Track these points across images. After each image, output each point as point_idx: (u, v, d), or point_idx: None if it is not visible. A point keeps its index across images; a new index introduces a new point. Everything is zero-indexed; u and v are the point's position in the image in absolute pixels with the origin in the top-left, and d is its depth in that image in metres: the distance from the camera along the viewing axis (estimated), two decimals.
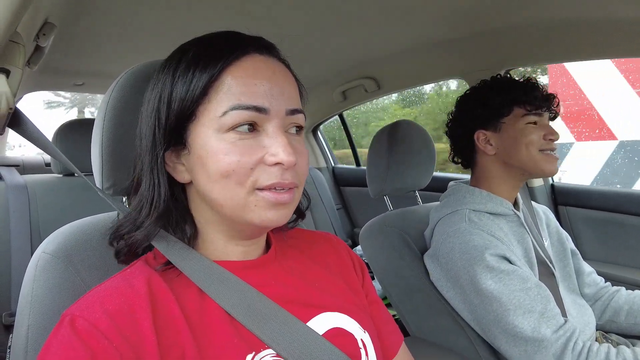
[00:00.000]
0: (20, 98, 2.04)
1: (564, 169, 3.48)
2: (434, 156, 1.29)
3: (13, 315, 1.21)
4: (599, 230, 1.46)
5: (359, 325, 0.57)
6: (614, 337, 1.03)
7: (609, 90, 3.32)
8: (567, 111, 3.52)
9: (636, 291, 1.07)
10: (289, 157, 0.47)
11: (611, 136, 3.38)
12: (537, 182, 1.54)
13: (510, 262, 0.89)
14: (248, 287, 0.51)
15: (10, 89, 0.46)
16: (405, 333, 1.05)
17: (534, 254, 0.98)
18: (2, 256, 1.27)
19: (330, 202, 2.41)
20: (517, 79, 1.02)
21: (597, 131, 3.43)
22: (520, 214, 1.02)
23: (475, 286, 0.89)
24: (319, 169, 2.62)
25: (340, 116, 2.49)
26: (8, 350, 0.58)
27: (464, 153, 1.09)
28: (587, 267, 1.13)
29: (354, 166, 2.67)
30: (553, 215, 1.19)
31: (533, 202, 1.19)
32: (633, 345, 0.99)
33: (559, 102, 1.01)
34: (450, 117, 1.11)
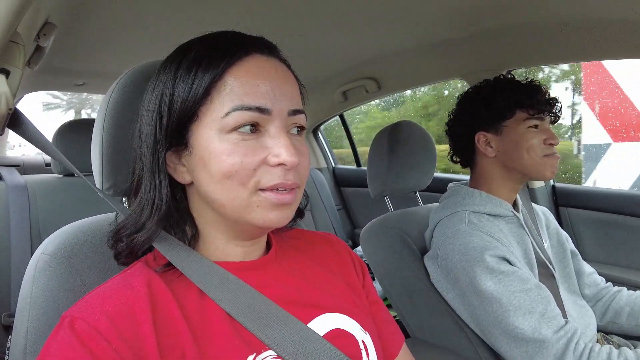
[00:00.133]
0: (21, 98, 2.04)
1: (598, 173, 3.22)
2: (434, 157, 1.29)
3: (13, 315, 1.21)
4: (600, 231, 1.45)
5: (360, 326, 0.57)
6: (615, 338, 1.03)
7: None
8: (603, 110, 3.22)
9: (638, 292, 1.07)
10: (291, 158, 0.47)
11: None
12: (538, 184, 1.54)
13: (510, 263, 0.89)
14: (248, 288, 0.51)
15: (9, 89, 0.46)
16: (406, 334, 1.05)
17: (533, 256, 0.97)
18: (2, 256, 1.26)
19: (331, 202, 2.41)
20: (520, 80, 1.01)
21: (636, 131, 3.15)
22: (520, 216, 1.02)
23: (475, 287, 0.88)
24: (320, 169, 2.62)
25: (341, 116, 2.49)
26: (7, 351, 0.58)
27: (464, 153, 1.09)
28: (587, 268, 1.13)
29: (354, 166, 2.67)
30: (553, 217, 1.19)
31: (533, 204, 1.18)
32: (634, 347, 0.99)
33: (561, 107, 1.00)
34: (451, 115, 1.10)
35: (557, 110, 0.99)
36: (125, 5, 1.05)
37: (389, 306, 1.17)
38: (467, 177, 1.15)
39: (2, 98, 0.46)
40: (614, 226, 1.41)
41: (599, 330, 1.04)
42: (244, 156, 0.46)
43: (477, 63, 1.42)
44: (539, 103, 0.96)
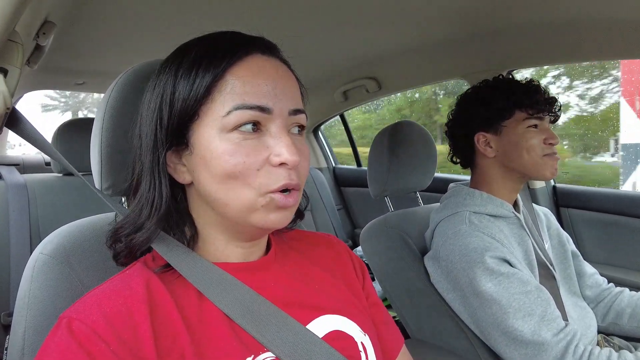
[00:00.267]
0: (20, 97, 2.04)
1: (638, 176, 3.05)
2: (435, 157, 1.29)
3: (12, 315, 1.21)
4: (601, 232, 1.45)
5: (359, 328, 0.57)
6: (616, 340, 1.03)
7: None
8: None
9: (639, 293, 1.07)
10: (293, 157, 0.47)
11: None
12: (539, 184, 1.54)
13: (510, 264, 0.89)
14: (247, 289, 0.51)
15: (7, 88, 0.46)
16: (406, 335, 1.04)
17: (534, 256, 0.97)
18: (1, 255, 1.26)
19: (331, 202, 2.41)
20: (519, 80, 1.01)
21: None
22: (521, 216, 1.01)
23: (475, 289, 0.88)
24: (320, 169, 2.62)
25: (342, 116, 2.49)
26: (5, 351, 0.58)
27: (464, 154, 1.09)
28: (589, 269, 1.13)
29: (354, 166, 2.66)
30: (554, 217, 1.18)
31: (534, 204, 1.18)
32: (635, 349, 0.98)
33: (560, 106, 1.00)
34: (451, 116, 1.10)
35: (557, 110, 0.99)
36: (125, 5, 1.05)
37: (389, 307, 1.17)
38: (467, 178, 1.14)
39: (0, 97, 0.46)
40: (615, 227, 1.40)
41: (600, 332, 1.04)
42: (246, 156, 0.46)
43: (478, 63, 1.42)
44: (538, 103, 0.96)
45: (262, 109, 0.47)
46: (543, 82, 1.06)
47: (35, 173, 1.57)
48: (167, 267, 0.50)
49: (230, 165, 0.46)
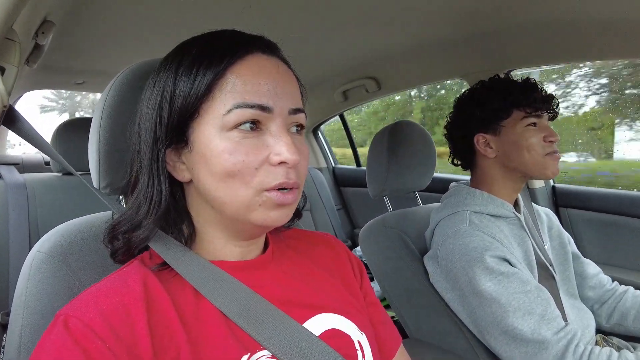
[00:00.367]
0: (20, 97, 2.04)
1: None
2: (434, 157, 1.29)
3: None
4: (601, 232, 1.45)
5: (356, 327, 0.57)
6: (615, 340, 1.03)
7: None
8: None
9: None
10: (293, 156, 0.47)
11: None
12: (538, 184, 1.53)
13: (510, 264, 0.89)
14: (244, 288, 0.51)
15: (4, 86, 0.46)
16: (404, 335, 1.04)
17: (534, 257, 0.97)
18: (0, 255, 1.26)
19: (330, 202, 2.41)
20: (515, 79, 1.01)
21: None
22: (522, 216, 1.01)
23: (474, 288, 0.88)
24: (319, 169, 2.61)
25: (341, 116, 2.49)
26: (2, 349, 0.58)
27: (464, 155, 1.09)
28: (591, 269, 1.12)
29: (354, 166, 2.66)
30: (556, 218, 1.18)
31: (536, 205, 1.18)
32: (634, 349, 0.98)
33: (558, 103, 1.00)
34: (449, 118, 1.10)
35: (555, 107, 0.99)
36: (124, 5, 1.05)
37: (388, 307, 1.16)
38: (467, 178, 1.14)
39: None
40: (615, 227, 1.40)
41: (598, 333, 1.04)
42: (246, 155, 0.46)
43: (478, 63, 1.42)
44: (535, 101, 0.96)
45: (262, 107, 0.47)
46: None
47: (35, 172, 1.57)
48: (164, 265, 0.50)
49: (229, 164, 0.46)
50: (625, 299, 1.06)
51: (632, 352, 0.85)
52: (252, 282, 0.52)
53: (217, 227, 0.53)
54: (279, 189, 0.48)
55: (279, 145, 0.47)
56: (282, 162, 0.47)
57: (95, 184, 0.62)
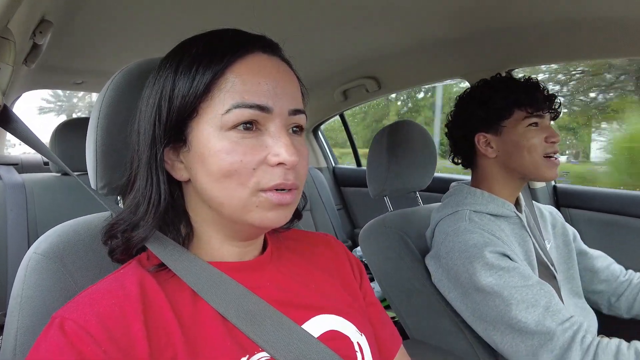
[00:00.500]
0: (19, 97, 2.04)
1: None
2: (435, 157, 1.28)
3: None
4: (602, 232, 1.44)
5: (356, 328, 0.56)
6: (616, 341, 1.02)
7: None
8: None
9: None
10: (291, 157, 0.46)
11: None
12: (539, 184, 1.53)
13: (510, 259, 0.88)
14: (242, 289, 0.50)
15: None
16: (405, 335, 1.04)
17: (534, 257, 0.96)
18: None
19: (331, 202, 2.40)
20: (517, 78, 1.00)
21: None
22: (523, 216, 1.01)
23: (476, 284, 0.87)
24: (320, 169, 2.61)
25: (341, 116, 2.48)
26: None
27: (464, 154, 1.08)
28: (601, 262, 1.10)
29: (354, 166, 2.66)
30: (560, 215, 1.17)
31: (540, 203, 1.17)
32: None
33: (560, 103, 0.99)
34: (450, 117, 1.09)
35: (557, 107, 0.98)
36: (123, 4, 1.04)
37: (388, 307, 1.16)
38: (468, 177, 1.14)
39: None
40: (616, 227, 1.39)
41: (603, 333, 1.03)
42: (243, 155, 0.46)
43: (478, 62, 1.41)
44: (537, 101, 0.95)
45: (261, 107, 0.46)
46: None
47: (34, 172, 1.56)
48: (162, 266, 0.50)
49: (226, 164, 0.46)
50: None
51: None
52: (250, 283, 0.52)
53: (214, 227, 0.52)
54: (276, 190, 0.47)
55: (278, 146, 0.47)
56: (280, 163, 0.47)
57: (92, 184, 0.62)
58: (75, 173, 0.64)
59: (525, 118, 0.95)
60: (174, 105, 0.47)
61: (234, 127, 0.46)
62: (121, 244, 0.51)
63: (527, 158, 0.95)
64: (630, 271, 1.10)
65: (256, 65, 0.48)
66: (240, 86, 0.46)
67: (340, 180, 2.67)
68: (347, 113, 2.50)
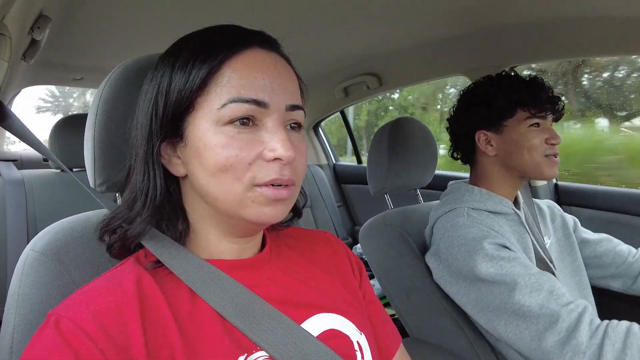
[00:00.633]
0: (18, 92, 2.03)
1: None
2: (436, 154, 1.27)
3: None
4: (603, 230, 1.43)
5: (355, 327, 0.56)
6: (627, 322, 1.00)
7: None
8: None
9: None
10: (287, 153, 0.46)
11: None
12: (541, 182, 1.52)
13: (510, 250, 0.87)
14: (240, 287, 0.50)
15: None
16: (404, 333, 1.03)
17: (533, 254, 0.96)
18: None
19: (331, 199, 2.40)
20: (522, 76, 0.99)
21: None
22: (521, 213, 1.00)
23: (478, 276, 0.86)
24: (320, 166, 2.60)
25: (342, 113, 2.47)
26: None
27: (464, 151, 1.08)
28: (605, 246, 1.08)
29: (355, 163, 2.65)
30: (558, 208, 1.16)
31: (537, 199, 1.17)
32: None
33: (564, 105, 0.98)
34: (452, 113, 1.09)
35: (560, 109, 0.97)
36: (123, 2, 1.04)
37: (387, 305, 1.16)
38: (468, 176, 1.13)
39: None
40: (617, 225, 1.39)
41: None
42: (239, 150, 0.46)
43: (480, 59, 1.41)
44: (541, 101, 0.94)
45: (258, 102, 0.46)
46: None
47: (34, 169, 1.56)
48: (159, 263, 0.49)
49: (222, 158, 0.45)
50: None
51: None
52: (248, 282, 0.51)
53: (211, 223, 0.52)
54: (272, 185, 0.47)
55: (274, 142, 0.46)
56: (276, 159, 0.46)
57: (90, 180, 0.61)
58: (76, 169, 0.63)
59: (528, 118, 0.95)
60: (170, 99, 0.47)
61: (230, 122, 0.46)
62: (118, 240, 0.50)
63: (527, 157, 0.95)
64: None
65: (253, 60, 0.48)
66: (236, 81, 0.46)
67: (341, 177, 2.66)
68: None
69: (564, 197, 1.54)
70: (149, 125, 0.49)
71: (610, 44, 1.14)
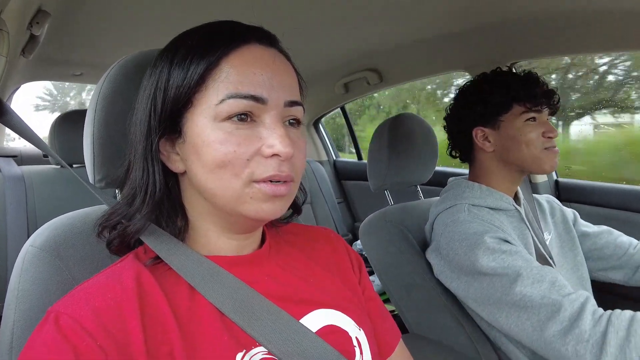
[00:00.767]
0: (18, 88, 2.03)
1: None
2: (436, 150, 1.27)
3: None
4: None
5: (354, 323, 0.56)
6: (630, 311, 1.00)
7: None
8: None
9: None
10: (285, 149, 0.46)
11: None
12: (541, 178, 1.52)
13: (511, 244, 0.87)
14: (239, 283, 0.50)
15: None
16: (404, 330, 1.04)
17: (533, 250, 0.96)
18: None
19: (331, 195, 2.40)
20: (517, 72, 0.99)
21: None
22: (522, 209, 1.00)
23: (479, 270, 0.86)
24: (320, 162, 2.60)
25: (342, 109, 2.47)
26: None
27: (462, 148, 1.08)
28: (605, 238, 1.08)
29: (355, 159, 2.65)
30: (557, 202, 1.16)
31: (537, 194, 1.17)
32: None
33: (559, 99, 0.98)
34: (449, 111, 1.09)
35: (555, 102, 0.97)
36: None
37: (387, 301, 1.16)
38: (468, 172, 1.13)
39: None
40: (617, 222, 1.39)
41: None
42: (237, 145, 0.45)
43: (480, 55, 1.40)
44: (536, 96, 0.94)
45: (256, 98, 0.46)
46: None
47: (34, 165, 1.56)
48: (158, 259, 0.49)
49: (220, 154, 0.45)
50: None
51: None
52: (247, 278, 0.51)
53: (210, 219, 0.52)
54: (270, 181, 0.47)
55: (272, 138, 0.46)
56: (274, 155, 0.46)
57: (90, 176, 0.61)
58: (76, 165, 0.63)
59: (523, 113, 0.95)
60: (168, 95, 0.47)
61: (228, 117, 0.46)
62: (117, 236, 0.50)
63: (525, 152, 0.95)
64: None
65: (252, 56, 0.48)
66: (234, 77, 0.46)
67: (341, 173, 2.66)
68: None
69: (564, 194, 1.54)
70: (147, 121, 0.49)
71: (611, 40, 1.13)
